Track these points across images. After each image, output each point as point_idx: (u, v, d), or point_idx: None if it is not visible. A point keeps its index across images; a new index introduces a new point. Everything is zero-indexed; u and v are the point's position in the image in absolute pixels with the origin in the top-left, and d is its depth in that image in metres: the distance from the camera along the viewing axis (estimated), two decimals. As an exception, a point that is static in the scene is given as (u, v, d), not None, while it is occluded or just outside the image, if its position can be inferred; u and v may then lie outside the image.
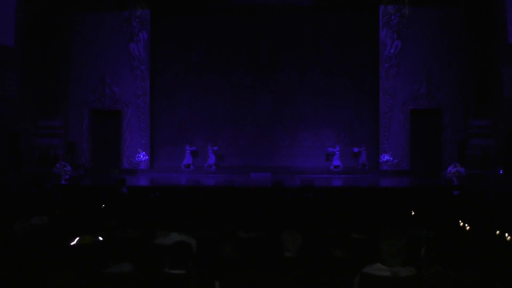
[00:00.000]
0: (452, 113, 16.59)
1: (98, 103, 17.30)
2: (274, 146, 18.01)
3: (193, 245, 4.07)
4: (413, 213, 6.57)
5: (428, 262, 3.49)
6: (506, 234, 4.87)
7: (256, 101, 18.06)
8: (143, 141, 17.33)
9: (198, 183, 14.47)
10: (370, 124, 17.70)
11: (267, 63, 17.99)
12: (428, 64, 16.60)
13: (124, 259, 3.62)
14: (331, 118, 17.95)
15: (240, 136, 18.06)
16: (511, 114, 14.32)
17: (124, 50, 17.19)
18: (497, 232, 5.04)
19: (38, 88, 16.22)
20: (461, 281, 3.19)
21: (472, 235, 5.21)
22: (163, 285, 3.37)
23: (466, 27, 16.06)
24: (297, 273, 3.46)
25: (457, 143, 16.40)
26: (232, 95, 18.09)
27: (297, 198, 9.16)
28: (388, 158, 16.37)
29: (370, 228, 4.83)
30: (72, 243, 4.33)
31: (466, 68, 16.16)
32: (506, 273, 3.44)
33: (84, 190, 11.71)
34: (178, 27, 18.14)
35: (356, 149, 17.18)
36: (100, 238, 4.51)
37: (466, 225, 5.64)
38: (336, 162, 16.94)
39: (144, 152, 17.05)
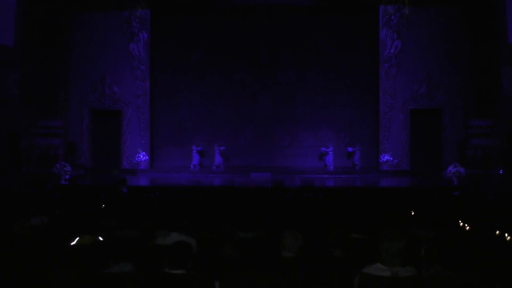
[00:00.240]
0: (452, 113, 16.58)
1: (98, 103, 17.31)
2: (274, 146, 18.01)
3: (193, 245, 4.07)
4: (413, 213, 6.56)
5: (428, 262, 3.49)
6: (506, 234, 4.87)
7: (256, 101, 18.07)
8: (143, 141, 17.33)
9: (198, 183, 14.47)
10: (370, 124, 17.69)
11: (267, 63, 17.99)
12: (428, 64, 16.60)
13: (124, 259, 3.62)
14: (331, 118, 17.95)
15: (240, 136, 18.06)
16: (511, 114, 14.32)
17: (124, 50, 17.19)
18: (497, 232, 5.04)
19: (38, 88, 16.22)
20: (461, 281, 3.19)
21: (472, 235, 5.21)
22: (163, 285, 3.37)
23: (466, 27, 16.07)
24: (297, 273, 3.46)
25: (457, 143, 16.39)
26: (232, 95, 18.09)
27: (297, 198, 9.16)
28: (388, 158, 16.38)
29: (370, 228, 4.83)
30: (72, 243, 4.33)
31: (466, 68, 16.17)
32: (506, 273, 3.44)
33: (84, 190, 11.70)
34: (178, 27, 18.14)
35: (350, 149, 17.18)
36: (100, 238, 4.51)
37: (466, 225, 5.64)
38: (329, 162, 16.94)
39: (144, 152, 17.06)
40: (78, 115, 17.30)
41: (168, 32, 18.13)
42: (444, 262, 3.32)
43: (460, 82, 16.47)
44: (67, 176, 14.45)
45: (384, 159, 16.43)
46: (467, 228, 5.55)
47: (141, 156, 16.95)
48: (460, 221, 5.82)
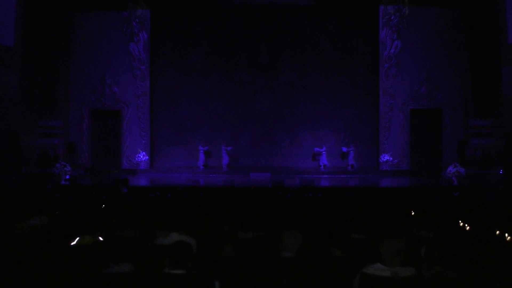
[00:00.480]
0: (452, 113, 16.58)
1: (98, 103, 17.31)
2: (274, 146, 18.01)
3: (193, 245, 4.07)
4: (413, 213, 6.57)
5: (428, 262, 3.49)
6: (506, 234, 4.87)
7: (256, 101, 18.06)
8: (143, 141, 17.33)
9: (198, 183, 14.47)
10: (370, 124, 17.69)
11: (267, 63, 17.99)
12: (428, 64, 16.60)
13: (124, 259, 3.62)
14: (331, 118, 17.95)
15: (240, 136, 18.06)
16: (511, 114, 14.32)
17: (124, 50, 17.19)
18: (497, 232, 5.04)
19: (38, 88, 16.22)
20: (461, 281, 3.19)
21: (472, 235, 5.21)
22: (163, 285, 3.37)
23: (466, 27, 16.06)
24: (297, 273, 3.46)
25: (457, 143, 16.39)
26: (232, 95, 18.09)
27: (297, 198, 9.16)
28: (388, 158, 16.37)
29: (370, 228, 4.83)
30: (72, 243, 4.33)
31: (466, 68, 16.16)
32: (506, 273, 3.44)
33: (84, 190, 11.71)
34: (178, 27, 18.13)
35: (345, 149, 17.19)
36: (100, 238, 4.51)
37: (466, 225, 5.64)
38: (323, 161, 16.93)
39: (144, 152, 17.06)
40: (78, 115, 17.30)
41: (168, 32, 18.12)
42: (444, 262, 3.32)
43: (460, 82, 16.47)
44: (67, 176, 14.44)
45: (384, 159, 16.42)
46: (467, 228, 5.55)
47: (141, 156, 16.95)
48: (460, 221, 5.82)
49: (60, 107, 16.82)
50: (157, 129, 18.08)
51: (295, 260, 3.78)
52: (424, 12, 16.60)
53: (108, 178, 15.12)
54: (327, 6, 17.52)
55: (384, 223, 5.47)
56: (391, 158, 16.40)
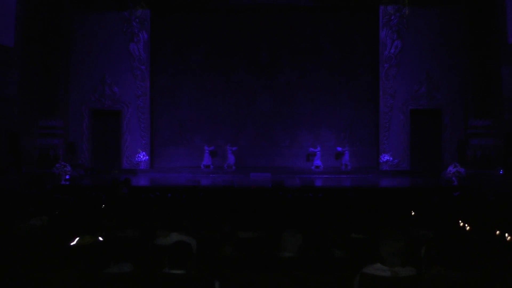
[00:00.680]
0: (452, 113, 16.58)
1: (98, 103, 17.31)
2: (274, 146, 18.01)
3: (193, 245, 4.07)
4: (413, 213, 6.57)
5: (428, 262, 3.49)
6: (506, 234, 4.87)
7: (256, 101, 18.06)
8: (143, 141, 17.33)
9: (198, 183, 14.47)
10: (370, 124, 17.69)
11: (267, 63, 17.99)
12: (428, 64, 16.60)
13: (124, 259, 3.62)
14: (331, 118, 17.94)
15: (240, 136, 18.05)
16: (511, 114, 14.32)
17: (124, 50, 17.19)
18: (497, 232, 5.04)
19: (38, 88, 16.21)
20: (461, 281, 3.19)
21: (472, 235, 5.21)
22: (163, 285, 3.37)
23: (466, 27, 16.06)
24: (297, 273, 3.46)
25: (457, 143, 16.39)
26: (232, 95, 18.09)
27: (297, 198, 9.16)
28: (388, 158, 16.38)
29: (370, 228, 4.83)
30: (72, 243, 4.33)
31: (466, 68, 16.16)
32: (506, 273, 3.44)
33: (84, 190, 11.71)
34: (178, 27, 18.13)
35: (339, 149, 17.17)
36: (100, 238, 4.51)
37: (466, 225, 5.64)
38: (317, 162, 16.93)
39: (144, 152, 17.06)
40: (78, 115, 17.30)
41: (168, 32, 18.12)
42: (444, 262, 3.32)
43: (460, 82, 16.46)
44: (67, 176, 14.44)
45: (384, 159, 16.43)
46: (467, 228, 5.55)
47: (141, 156, 16.95)
48: (460, 221, 5.82)
49: (60, 107, 16.82)
50: (157, 129, 18.07)
51: (295, 260, 3.78)
52: (424, 12, 16.60)
53: (108, 178, 15.13)
54: (327, 6, 17.53)
55: (384, 223, 5.46)
56: (391, 158, 16.40)
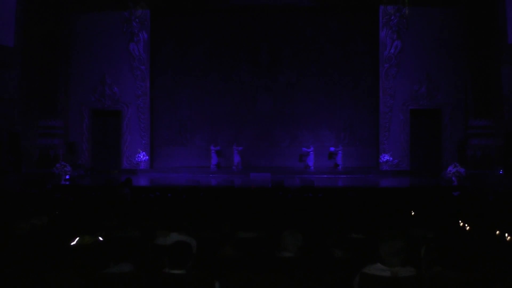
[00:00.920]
0: (452, 113, 16.58)
1: (98, 103, 17.31)
2: (274, 146, 18.01)
3: (193, 245, 4.07)
4: (413, 213, 6.57)
5: (428, 262, 3.49)
6: (506, 234, 4.87)
7: (256, 101, 18.06)
8: (143, 141, 17.33)
9: (198, 183, 14.47)
10: (370, 124, 17.69)
11: (267, 63, 17.99)
12: (428, 64, 16.60)
13: (124, 259, 3.62)
14: (331, 118, 17.94)
15: (240, 136, 18.05)
16: (511, 114, 14.32)
17: (124, 50, 17.18)
18: (497, 232, 5.04)
19: (38, 88, 16.21)
20: (461, 281, 3.19)
21: (472, 235, 5.21)
22: (163, 285, 3.37)
23: (466, 27, 16.06)
24: (297, 273, 3.46)
25: (457, 143, 16.39)
26: (232, 95, 18.09)
27: (297, 198, 9.16)
28: (388, 158, 16.37)
29: (370, 228, 4.83)
30: (72, 243, 4.33)
31: (466, 68, 16.16)
32: (506, 273, 3.44)
33: (84, 190, 11.71)
34: (178, 27, 18.13)
35: (332, 149, 17.16)
36: (100, 238, 4.51)
37: (466, 225, 5.64)
38: (309, 162, 16.91)
39: (144, 152, 17.06)
40: (78, 115, 17.30)
41: (168, 32, 18.12)
42: (444, 262, 3.32)
43: (460, 82, 16.46)
44: (67, 176, 14.44)
45: (384, 159, 16.43)
46: (467, 228, 5.55)
47: (141, 156, 16.95)
48: (460, 221, 5.82)
49: (60, 107, 16.81)
50: (157, 129, 18.07)
51: (295, 260, 3.78)
52: (424, 12, 16.60)
53: (108, 178, 15.14)
54: (327, 6, 17.52)
55: (384, 223, 5.47)
56: (391, 158, 16.40)
